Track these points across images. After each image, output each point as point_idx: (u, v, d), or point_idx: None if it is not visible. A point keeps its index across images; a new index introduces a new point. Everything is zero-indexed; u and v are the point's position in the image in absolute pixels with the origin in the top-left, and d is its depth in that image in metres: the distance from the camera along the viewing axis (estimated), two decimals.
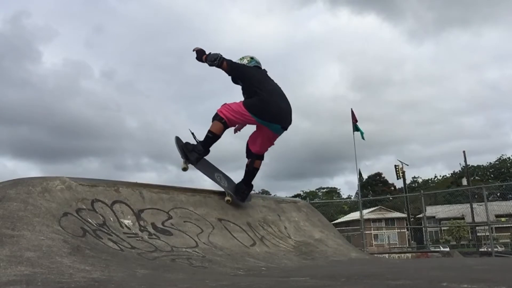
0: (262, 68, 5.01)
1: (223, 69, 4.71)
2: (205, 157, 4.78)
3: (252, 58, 4.98)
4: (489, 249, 14.89)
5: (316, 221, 5.73)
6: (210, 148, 4.68)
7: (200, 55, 4.76)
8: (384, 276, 2.56)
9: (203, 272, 3.10)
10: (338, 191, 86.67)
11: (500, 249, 24.39)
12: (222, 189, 4.78)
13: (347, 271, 3.19)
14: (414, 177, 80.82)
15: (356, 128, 16.94)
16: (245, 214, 4.87)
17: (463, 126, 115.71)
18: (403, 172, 32.26)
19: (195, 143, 4.61)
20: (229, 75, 4.78)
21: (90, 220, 3.38)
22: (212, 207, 4.59)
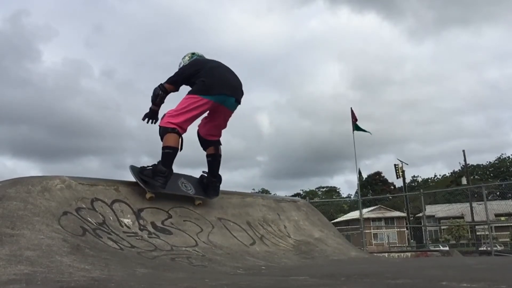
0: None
1: (171, 91, 4.32)
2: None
3: (193, 53, 4.68)
4: (489, 248, 14.90)
5: (316, 220, 5.73)
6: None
7: (150, 113, 4.33)
8: (384, 275, 2.56)
9: (202, 271, 3.10)
10: (337, 190, 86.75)
11: (499, 248, 24.46)
12: (221, 189, 4.74)
13: (346, 270, 3.19)
14: (414, 176, 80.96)
15: (356, 128, 16.95)
16: (244, 213, 4.87)
17: (462, 125, 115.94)
18: (403, 171, 32.26)
19: (150, 166, 4.10)
20: (177, 88, 4.37)
21: (89, 219, 3.38)
22: (211, 206, 4.59)
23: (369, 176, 79.43)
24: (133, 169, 4.12)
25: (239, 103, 4.38)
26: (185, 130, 4.12)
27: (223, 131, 4.53)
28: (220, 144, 4.56)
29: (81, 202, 3.53)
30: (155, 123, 4.30)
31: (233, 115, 4.48)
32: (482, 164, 75.00)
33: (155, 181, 3.96)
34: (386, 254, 12.54)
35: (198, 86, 4.14)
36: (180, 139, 4.10)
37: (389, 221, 52.39)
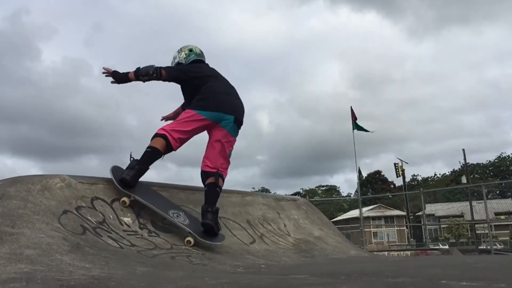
0: (206, 60, 4.37)
1: (162, 79, 4.05)
2: (159, 193, 4.05)
3: (191, 50, 4.29)
4: (488, 247, 14.91)
5: (316, 219, 5.73)
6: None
7: (121, 76, 4.02)
8: (384, 274, 2.56)
9: (202, 270, 3.11)
10: (337, 189, 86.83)
11: (499, 247, 24.47)
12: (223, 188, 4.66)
13: (346, 268, 3.19)
14: (414, 175, 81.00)
15: (357, 127, 16.94)
16: (244, 212, 4.87)
17: (462, 124, 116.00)
18: (403, 170, 32.23)
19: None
20: (168, 81, 4.12)
21: (89, 218, 3.38)
22: None
23: (369, 175, 79.43)
24: (112, 169, 3.86)
25: (240, 124, 4.06)
26: (176, 141, 3.86)
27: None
28: (222, 177, 3.96)
29: (81, 201, 3.52)
30: (113, 83, 4.05)
31: None
32: (482, 163, 75.02)
33: (124, 175, 3.71)
34: (386, 253, 12.54)
35: (199, 98, 3.94)
36: (166, 146, 3.82)
37: (389, 219, 52.45)
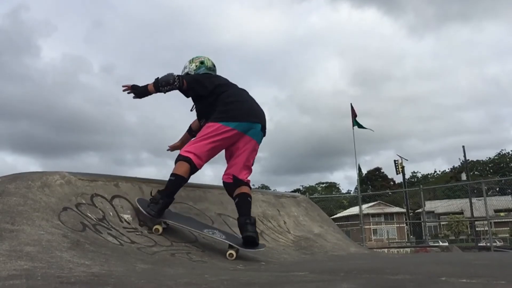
0: (217, 73, 4.19)
1: (183, 89, 3.81)
2: (189, 215, 3.99)
3: (202, 62, 4.12)
4: (488, 244, 14.93)
5: (316, 216, 5.73)
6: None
7: (141, 89, 3.76)
8: (383, 271, 2.56)
9: (202, 267, 3.11)
10: (337, 186, 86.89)
11: (498, 243, 24.51)
12: (221, 185, 4.61)
13: (346, 265, 3.20)
14: (414, 172, 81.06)
15: (358, 125, 16.95)
16: None
17: (463, 121, 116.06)
18: (403, 167, 32.25)
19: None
20: (187, 94, 3.90)
21: (89, 215, 3.38)
22: (211, 202, 4.59)
23: (368, 172, 79.51)
24: (138, 201, 3.78)
25: (264, 132, 3.90)
26: (202, 160, 3.68)
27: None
28: (249, 186, 3.87)
29: (81, 198, 3.53)
30: (134, 98, 3.81)
31: None
32: (482, 160, 75.11)
33: (149, 210, 3.61)
34: (385, 250, 12.57)
35: (221, 110, 3.72)
36: (190, 169, 3.63)
37: (388, 216, 52.51)
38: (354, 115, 17.03)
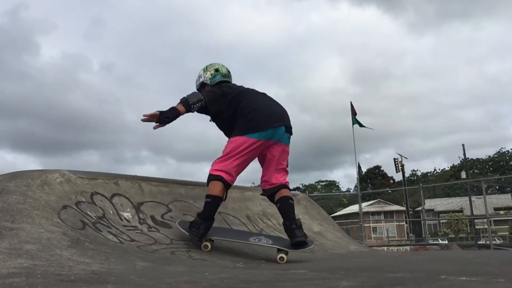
0: (232, 79, 4.09)
1: (207, 106, 3.67)
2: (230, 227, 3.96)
3: (217, 70, 4.00)
4: (488, 242, 14.94)
5: (315, 214, 5.73)
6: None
7: (169, 114, 3.49)
8: (383, 269, 2.57)
9: (202, 265, 3.11)
10: (337, 184, 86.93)
11: (498, 242, 24.52)
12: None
13: (346, 264, 3.20)
14: (413, 170, 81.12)
15: (358, 123, 16.95)
16: (244, 207, 4.87)
17: (462, 119, 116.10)
18: (402, 165, 32.26)
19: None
20: (207, 112, 3.77)
21: (89, 213, 3.38)
22: None
23: (368, 170, 79.50)
24: (180, 223, 3.74)
25: (290, 130, 3.81)
26: (233, 176, 3.64)
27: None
28: (288, 187, 3.83)
29: (81, 196, 3.53)
30: (159, 127, 3.52)
31: None
32: (482, 158, 75.15)
33: (191, 232, 3.57)
34: (385, 248, 12.59)
35: (239, 125, 3.65)
36: (224, 187, 3.59)
37: (388, 215, 52.54)
38: (354, 113, 17.03)
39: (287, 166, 3.86)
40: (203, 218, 3.59)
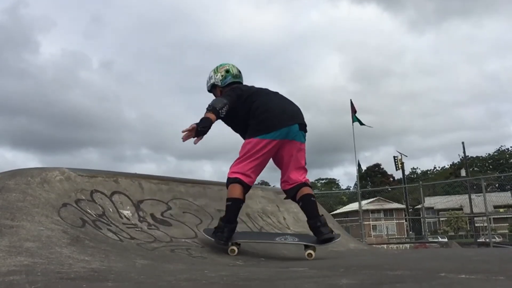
0: (243, 79, 4.06)
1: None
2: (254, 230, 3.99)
3: (227, 71, 3.97)
4: (487, 240, 14.96)
5: None
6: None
7: (203, 125, 3.43)
8: (383, 267, 2.57)
9: (202, 263, 3.11)
10: (337, 182, 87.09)
11: (498, 239, 24.57)
12: (221, 181, 4.65)
13: (345, 261, 3.20)
14: (413, 168, 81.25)
15: (358, 121, 16.95)
16: (244, 205, 4.86)
17: (462, 117, 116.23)
18: (402, 163, 32.28)
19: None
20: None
21: (89, 211, 3.38)
22: (211, 198, 4.59)
23: (368, 168, 79.57)
24: (205, 231, 3.77)
25: (305, 127, 3.78)
26: (251, 177, 3.65)
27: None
28: (308, 185, 3.79)
29: (81, 194, 3.53)
30: (198, 140, 3.48)
31: None
32: (481, 156, 75.17)
33: (217, 239, 3.57)
34: (385, 246, 12.59)
35: (252, 126, 3.65)
36: (243, 189, 3.62)
37: (388, 212, 52.60)
38: (353, 111, 17.02)
39: (306, 164, 3.84)
40: (226, 221, 3.61)
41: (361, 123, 17.05)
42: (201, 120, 3.46)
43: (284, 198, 4.09)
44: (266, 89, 3.95)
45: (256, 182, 4.01)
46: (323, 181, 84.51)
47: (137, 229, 3.53)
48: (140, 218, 3.71)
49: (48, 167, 3.65)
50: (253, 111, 3.68)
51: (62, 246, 2.55)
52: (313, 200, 3.74)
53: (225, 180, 3.75)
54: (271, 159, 3.79)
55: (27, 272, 1.93)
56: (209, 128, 3.48)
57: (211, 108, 3.53)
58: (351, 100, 17.20)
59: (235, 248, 3.63)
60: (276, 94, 3.92)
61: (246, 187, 3.65)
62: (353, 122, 16.86)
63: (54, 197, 3.28)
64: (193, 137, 3.44)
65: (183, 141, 3.41)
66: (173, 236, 3.64)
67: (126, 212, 3.68)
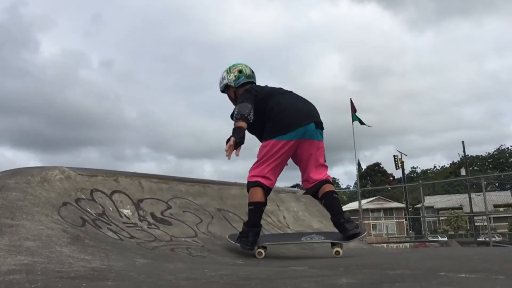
0: (256, 79, 4.05)
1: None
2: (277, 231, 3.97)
3: (240, 71, 3.95)
4: (487, 239, 14.97)
5: (315, 211, 5.74)
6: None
7: (238, 135, 3.39)
8: (383, 266, 2.57)
9: (202, 262, 3.12)
10: (337, 181, 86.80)
11: (497, 239, 24.58)
12: (221, 180, 4.71)
13: (345, 261, 3.20)
14: (413, 167, 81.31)
15: (359, 121, 16.97)
16: (244, 204, 4.85)
17: (462, 116, 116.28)
18: (402, 163, 32.30)
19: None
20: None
21: (89, 210, 3.38)
22: (211, 197, 4.59)
23: (368, 167, 79.61)
24: (230, 237, 3.79)
25: (321, 125, 3.77)
26: (271, 179, 3.64)
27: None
28: (330, 182, 3.76)
29: (81, 193, 3.53)
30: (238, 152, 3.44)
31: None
32: (481, 155, 75.24)
33: (243, 245, 3.58)
34: (385, 245, 12.60)
35: (268, 129, 3.63)
36: (264, 191, 3.61)
37: (388, 212, 52.65)
38: (353, 110, 17.03)
39: (325, 161, 3.83)
40: (249, 225, 3.62)
41: (361, 123, 17.07)
42: (236, 131, 3.41)
43: (304, 193, 4.14)
44: (280, 89, 3.93)
45: None
46: None
47: (137, 228, 3.53)
48: (140, 217, 3.71)
49: (48, 166, 3.66)
50: (268, 112, 3.65)
51: (62, 245, 2.55)
52: (335, 197, 3.71)
53: (225, 179, 3.76)
54: (290, 158, 3.78)
55: (27, 271, 1.93)
56: (244, 137, 3.46)
57: (240, 117, 3.47)
58: (351, 99, 17.24)
59: (262, 251, 3.62)
60: (290, 93, 3.90)
61: (267, 190, 3.64)
62: (353, 121, 16.88)
63: (54, 196, 3.28)
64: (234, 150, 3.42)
65: (229, 158, 3.39)
66: (173, 235, 3.64)
67: (126, 211, 3.68)
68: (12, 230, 2.58)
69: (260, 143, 3.77)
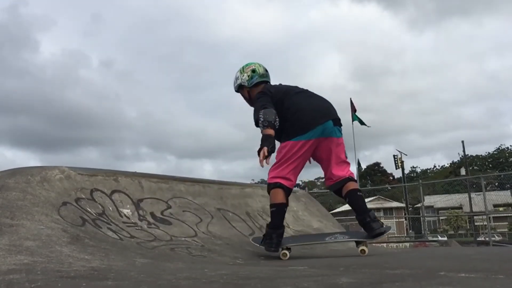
0: (270, 78, 4.00)
1: None
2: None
3: (253, 71, 3.92)
4: (487, 239, 14.98)
5: (315, 211, 5.74)
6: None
7: (267, 143, 3.33)
8: (382, 266, 2.57)
9: (202, 261, 3.11)
10: None
11: (497, 238, 24.59)
12: (221, 180, 4.71)
13: (345, 260, 3.20)
14: (413, 167, 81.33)
15: (358, 120, 16.99)
16: (244, 204, 4.87)
17: (462, 116, 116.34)
18: (402, 162, 32.31)
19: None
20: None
21: (89, 210, 3.38)
22: (211, 197, 4.59)
23: (368, 167, 79.62)
24: (254, 240, 3.82)
25: (339, 121, 3.73)
26: (291, 180, 3.63)
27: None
28: (353, 180, 3.74)
29: (81, 193, 3.53)
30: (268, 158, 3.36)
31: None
32: (481, 155, 75.26)
33: (268, 247, 3.57)
34: (384, 245, 12.60)
35: (286, 129, 3.56)
36: (285, 193, 3.60)
37: (388, 211, 52.63)
38: (353, 110, 17.05)
39: (346, 157, 3.80)
40: (272, 227, 3.62)
41: (362, 123, 17.09)
42: (266, 140, 3.36)
43: (326, 188, 4.12)
44: (296, 87, 3.89)
45: (256, 181, 4.03)
46: (323, 180, 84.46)
47: (137, 228, 3.53)
48: (140, 216, 3.71)
49: (48, 166, 3.65)
50: (284, 113, 3.59)
51: (62, 245, 2.55)
52: (359, 195, 3.68)
53: (225, 179, 3.76)
54: (311, 157, 3.77)
55: (27, 271, 1.93)
56: (275, 144, 3.43)
57: (267, 124, 3.42)
58: (350, 99, 17.27)
59: (286, 252, 3.61)
60: (306, 92, 3.87)
61: (288, 191, 3.63)
62: (353, 121, 16.92)
63: (54, 195, 3.28)
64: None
65: (263, 167, 3.36)
66: (173, 235, 3.64)
67: (126, 211, 3.68)
68: (12, 229, 2.58)
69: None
